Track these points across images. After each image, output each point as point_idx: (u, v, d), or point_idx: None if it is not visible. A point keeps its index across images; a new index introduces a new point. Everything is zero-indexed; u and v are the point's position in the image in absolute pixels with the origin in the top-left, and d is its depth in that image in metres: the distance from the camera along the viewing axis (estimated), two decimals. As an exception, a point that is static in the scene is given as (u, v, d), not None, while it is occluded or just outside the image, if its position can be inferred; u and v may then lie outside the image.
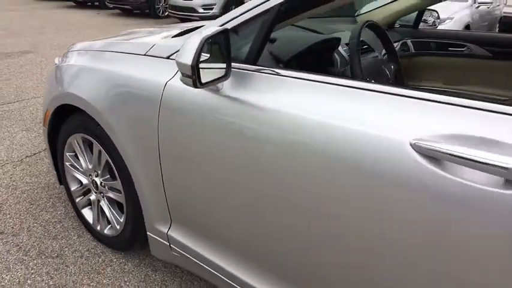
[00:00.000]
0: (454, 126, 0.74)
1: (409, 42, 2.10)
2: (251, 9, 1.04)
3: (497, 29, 7.63)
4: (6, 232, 1.79)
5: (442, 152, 0.72)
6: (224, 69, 0.99)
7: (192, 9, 8.50)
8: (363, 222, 0.84)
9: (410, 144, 0.76)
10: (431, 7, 2.17)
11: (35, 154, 2.54)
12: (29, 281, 1.53)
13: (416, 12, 2.13)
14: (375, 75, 1.32)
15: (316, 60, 1.32)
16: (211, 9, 8.57)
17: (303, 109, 0.92)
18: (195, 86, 0.94)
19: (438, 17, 2.32)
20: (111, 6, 10.22)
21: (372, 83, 0.88)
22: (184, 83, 0.97)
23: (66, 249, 1.71)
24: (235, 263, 1.19)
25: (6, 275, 1.55)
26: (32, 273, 1.57)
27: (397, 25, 2.24)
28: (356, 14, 2.28)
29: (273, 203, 0.99)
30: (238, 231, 1.13)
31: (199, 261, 1.29)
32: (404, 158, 0.76)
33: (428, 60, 2.08)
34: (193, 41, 0.92)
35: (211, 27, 0.99)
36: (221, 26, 1.06)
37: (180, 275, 1.60)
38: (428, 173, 0.74)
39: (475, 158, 0.68)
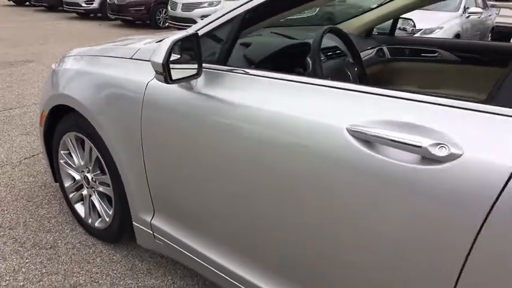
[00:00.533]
0: (382, 114, 0.86)
1: (385, 48, 2.23)
2: (220, 17, 1.18)
3: (489, 39, 7.78)
4: (4, 226, 1.91)
5: (372, 135, 0.84)
6: (196, 69, 1.12)
7: (191, 20, 8.70)
8: (298, 197, 0.96)
9: (347, 129, 0.88)
10: (406, 16, 2.31)
11: (33, 156, 2.67)
12: (23, 269, 1.64)
13: (391, 21, 2.27)
14: (337, 75, 1.45)
15: (288, 62, 1.45)
16: (210, 19, 8.75)
17: (267, 103, 1.04)
18: (166, 82, 1.06)
19: (414, 25, 2.46)
20: (113, 17, 10.47)
21: (325, 80, 1.01)
22: (158, 80, 1.09)
23: (59, 241, 1.82)
24: (215, 249, 1.29)
25: (2, 264, 1.66)
26: (27, 262, 1.68)
27: (375, 32, 2.37)
28: (337, 23, 2.42)
29: (244, 191, 1.11)
30: (212, 219, 1.25)
31: (179, 247, 1.40)
32: (341, 141, 0.88)
33: (403, 65, 2.21)
34: (165, 43, 1.05)
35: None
36: (195, 31, 1.19)
37: (164, 265, 1.70)
38: (361, 154, 0.85)
39: (397, 139, 0.80)
